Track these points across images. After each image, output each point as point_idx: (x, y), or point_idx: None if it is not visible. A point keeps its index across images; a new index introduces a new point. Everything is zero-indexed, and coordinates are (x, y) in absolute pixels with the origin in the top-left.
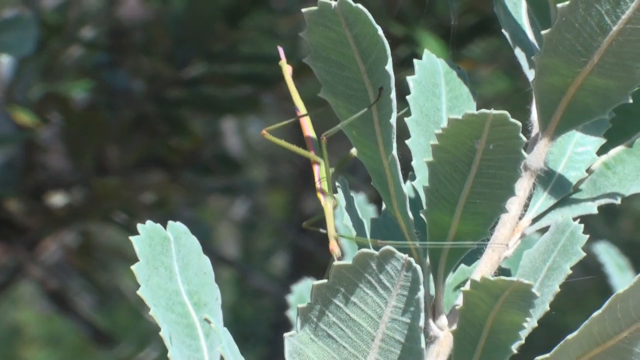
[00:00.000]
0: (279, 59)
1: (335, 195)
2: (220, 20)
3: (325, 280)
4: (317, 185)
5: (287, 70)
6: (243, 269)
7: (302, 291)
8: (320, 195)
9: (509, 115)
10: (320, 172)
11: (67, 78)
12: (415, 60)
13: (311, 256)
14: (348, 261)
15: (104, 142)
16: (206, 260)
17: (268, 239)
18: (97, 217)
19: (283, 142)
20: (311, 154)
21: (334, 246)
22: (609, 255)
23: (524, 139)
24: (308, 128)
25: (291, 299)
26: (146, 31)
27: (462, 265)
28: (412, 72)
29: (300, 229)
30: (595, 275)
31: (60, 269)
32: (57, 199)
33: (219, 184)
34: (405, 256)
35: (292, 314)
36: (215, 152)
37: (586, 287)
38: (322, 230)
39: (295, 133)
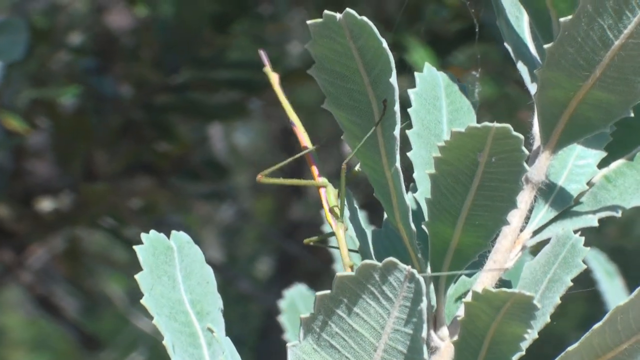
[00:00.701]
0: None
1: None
2: (208, 26)
3: (328, 291)
4: (326, 208)
5: (274, 78)
6: (228, 273)
7: (293, 297)
8: (330, 220)
9: (511, 128)
10: (328, 195)
11: (55, 84)
12: (415, 73)
13: (296, 261)
14: (351, 272)
15: (92, 148)
16: (209, 270)
17: (253, 244)
18: (85, 223)
19: (283, 181)
20: (316, 181)
21: None
22: (597, 262)
23: (526, 152)
24: (304, 139)
25: (282, 304)
26: (134, 37)
27: (463, 277)
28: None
29: (285, 234)
30: (582, 282)
31: (46, 274)
32: (45, 204)
33: (206, 189)
34: (408, 267)
35: (283, 319)
36: (203, 158)
37: (572, 292)
38: (328, 247)
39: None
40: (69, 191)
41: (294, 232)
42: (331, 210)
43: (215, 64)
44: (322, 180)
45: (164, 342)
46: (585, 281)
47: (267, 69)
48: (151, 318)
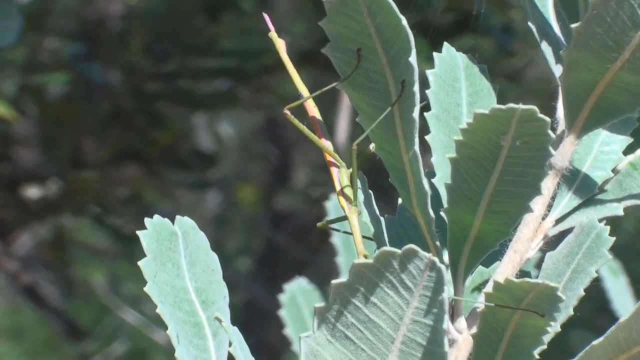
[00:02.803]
0: (257, 53)
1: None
2: (198, 14)
3: (344, 279)
4: (338, 190)
5: (280, 44)
6: None
7: (293, 290)
8: (343, 204)
9: (537, 110)
10: (341, 176)
11: (43, 70)
12: (434, 54)
13: (283, 251)
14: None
15: (80, 135)
16: (214, 257)
17: (239, 234)
18: (71, 211)
19: (301, 126)
20: (333, 154)
21: None
22: None
23: (552, 135)
24: (315, 113)
25: (283, 298)
26: (124, 23)
27: (480, 267)
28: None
29: (273, 224)
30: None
31: (30, 262)
32: (32, 192)
33: (193, 178)
34: (429, 255)
35: (283, 313)
36: (191, 147)
37: None
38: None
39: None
40: (56, 179)
41: (280, 222)
42: (343, 193)
43: (205, 52)
44: (337, 157)
45: (167, 332)
46: None
47: (273, 33)
48: (134, 308)
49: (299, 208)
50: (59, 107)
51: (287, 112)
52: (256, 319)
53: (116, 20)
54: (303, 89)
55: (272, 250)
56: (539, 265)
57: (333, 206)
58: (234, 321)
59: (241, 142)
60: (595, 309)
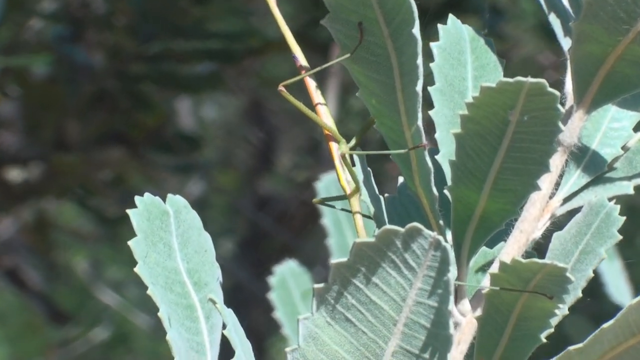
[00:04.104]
0: (244, 34)
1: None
2: None
3: (344, 259)
4: (338, 167)
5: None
6: None
7: (283, 273)
8: (343, 183)
9: (546, 83)
10: (341, 153)
11: (26, 51)
12: (439, 26)
13: (267, 235)
14: (370, 238)
15: (63, 117)
16: (207, 237)
17: (223, 218)
18: (54, 194)
19: (297, 102)
20: (333, 130)
21: None
22: None
23: (562, 110)
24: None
25: (272, 281)
26: (108, 4)
27: (484, 247)
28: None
29: (256, 207)
30: None
31: (12, 245)
32: (14, 175)
33: (177, 161)
34: (434, 234)
35: (273, 296)
36: (175, 130)
37: None
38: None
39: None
40: (39, 161)
41: (264, 206)
42: (343, 171)
43: (190, 34)
44: (337, 133)
45: (159, 314)
46: None
47: None
48: (116, 291)
49: (283, 192)
50: (42, 89)
51: (283, 89)
52: (240, 303)
53: (100, 1)
54: (297, 51)
55: (255, 234)
56: (536, 248)
57: (323, 187)
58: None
59: (225, 126)
60: (587, 293)
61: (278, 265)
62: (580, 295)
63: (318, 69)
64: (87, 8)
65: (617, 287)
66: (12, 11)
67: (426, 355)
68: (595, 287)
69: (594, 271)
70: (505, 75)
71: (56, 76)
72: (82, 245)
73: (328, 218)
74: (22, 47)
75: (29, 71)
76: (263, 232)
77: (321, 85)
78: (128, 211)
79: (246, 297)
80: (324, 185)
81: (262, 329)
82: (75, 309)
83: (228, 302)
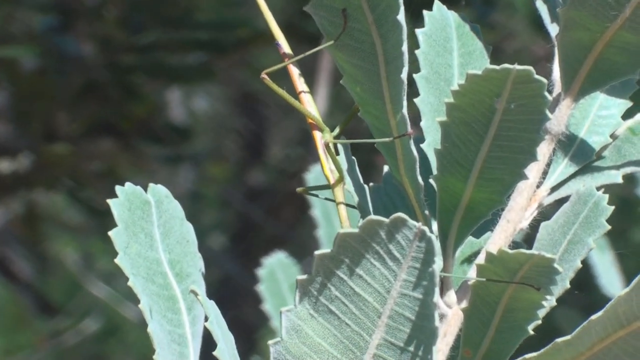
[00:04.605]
0: (234, 25)
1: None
2: None
3: (327, 250)
4: (322, 156)
5: None
6: None
7: (272, 265)
8: (327, 172)
9: (533, 71)
10: (325, 142)
11: (16, 42)
12: (425, 12)
13: (257, 227)
14: (354, 229)
15: (53, 108)
16: (189, 227)
17: (213, 209)
18: (44, 185)
19: (279, 90)
20: (316, 118)
21: None
22: None
23: (549, 97)
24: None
25: (261, 272)
26: None
27: (470, 238)
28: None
29: (246, 198)
30: None
31: (1, 237)
32: (4, 166)
33: (167, 152)
34: (419, 224)
35: (262, 288)
36: (165, 121)
37: None
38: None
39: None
40: (29, 152)
41: (255, 197)
42: (327, 160)
43: (181, 24)
44: (320, 122)
45: (140, 306)
46: None
47: None
48: (106, 283)
49: (274, 183)
50: (32, 80)
51: (266, 76)
52: (230, 295)
53: None
54: (280, 37)
55: (246, 226)
56: (526, 239)
57: (313, 179)
58: (208, 297)
59: (216, 117)
60: (575, 285)
61: (267, 257)
62: (568, 286)
63: (301, 56)
64: None
65: (609, 279)
66: (0, 1)
67: (411, 348)
68: (587, 279)
69: (586, 263)
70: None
71: (46, 67)
72: (72, 237)
73: (317, 209)
74: (11, 38)
75: (18, 62)
76: (253, 224)
77: (312, 78)
78: (109, 201)
79: (236, 288)
80: (314, 176)
81: (253, 321)
82: (66, 301)
83: (217, 294)
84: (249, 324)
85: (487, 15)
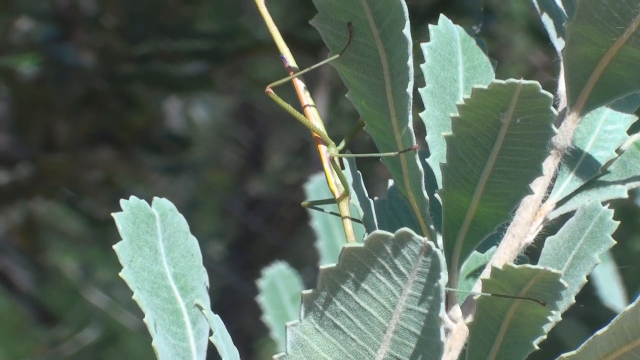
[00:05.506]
0: (233, 34)
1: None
2: None
3: (333, 265)
4: (327, 170)
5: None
6: None
7: (273, 276)
8: (332, 186)
9: (539, 85)
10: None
11: (15, 52)
12: (430, 26)
13: (257, 236)
14: (360, 243)
15: (52, 118)
16: (193, 241)
17: (213, 219)
18: (43, 194)
19: (285, 104)
20: (322, 132)
21: None
22: None
23: (555, 112)
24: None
25: (262, 284)
26: (98, 4)
27: (476, 252)
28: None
29: (246, 208)
30: None
31: (0, 246)
32: (2, 175)
33: (166, 162)
34: (424, 239)
35: (263, 299)
36: (164, 131)
37: None
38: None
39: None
40: (27, 162)
41: (254, 207)
42: (332, 175)
43: (180, 34)
44: (326, 136)
45: (144, 320)
46: None
47: None
48: (105, 293)
49: (273, 193)
50: (31, 89)
51: (271, 90)
52: (230, 305)
53: (90, 1)
54: (285, 51)
55: (245, 236)
56: (529, 253)
57: (313, 189)
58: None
59: (215, 126)
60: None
61: (268, 268)
62: (574, 301)
63: (306, 70)
64: (76, 8)
65: (610, 290)
66: (0, 11)
67: None
68: (587, 290)
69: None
70: (496, 77)
71: (45, 77)
72: (71, 247)
73: (318, 221)
74: (10, 47)
75: (17, 71)
76: (253, 234)
77: (311, 87)
78: (113, 215)
79: (236, 298)
80: (314, 187)
81: (252, 331)
82: (64, 310)
83: (217, 304)
84: (248, 333)
85: (487, 25)
